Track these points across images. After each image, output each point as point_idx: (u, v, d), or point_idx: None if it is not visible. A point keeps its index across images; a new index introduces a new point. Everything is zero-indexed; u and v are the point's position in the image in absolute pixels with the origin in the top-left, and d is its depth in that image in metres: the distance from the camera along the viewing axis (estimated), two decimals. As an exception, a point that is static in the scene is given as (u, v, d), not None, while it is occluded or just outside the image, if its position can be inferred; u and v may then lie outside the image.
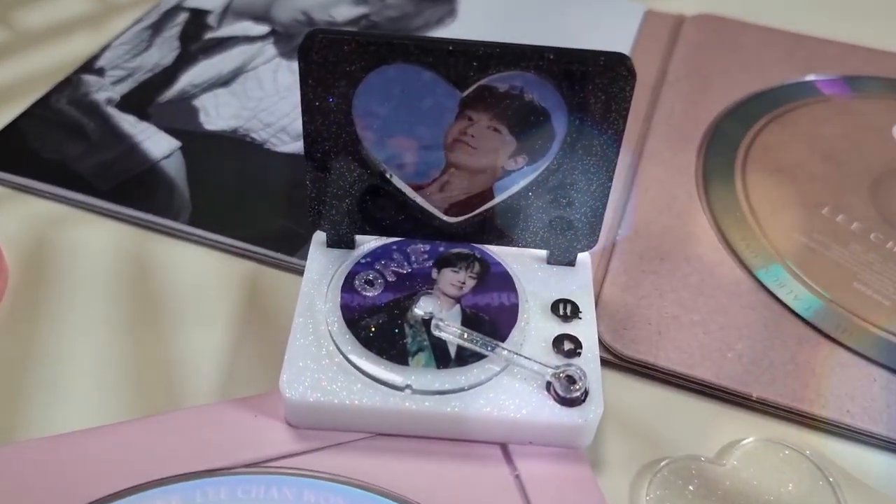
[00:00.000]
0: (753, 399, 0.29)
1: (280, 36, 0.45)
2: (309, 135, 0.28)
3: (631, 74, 0.26)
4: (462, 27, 0.47)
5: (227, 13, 0.47)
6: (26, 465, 0.27)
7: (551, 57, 0.26)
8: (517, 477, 0.27)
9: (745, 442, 0.28)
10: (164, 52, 0.44)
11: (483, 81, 0.26)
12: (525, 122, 0.27)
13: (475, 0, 0.49)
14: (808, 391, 0.29)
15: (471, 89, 0.26)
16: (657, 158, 0.38)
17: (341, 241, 0.30)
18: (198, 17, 0.46)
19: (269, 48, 0.44)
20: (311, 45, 0.26)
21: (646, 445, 0.28)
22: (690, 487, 0.27)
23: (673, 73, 0.43)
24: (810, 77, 0.43)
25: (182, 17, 0.46)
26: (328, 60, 0.26)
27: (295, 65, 0.43)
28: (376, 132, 0.28)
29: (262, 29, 0.46)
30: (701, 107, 0.41)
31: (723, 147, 0.39)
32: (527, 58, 0.26)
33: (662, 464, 0.27)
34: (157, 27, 0.46)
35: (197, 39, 0.45)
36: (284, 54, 0.44)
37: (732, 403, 0.30)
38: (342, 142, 0.28)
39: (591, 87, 0.26)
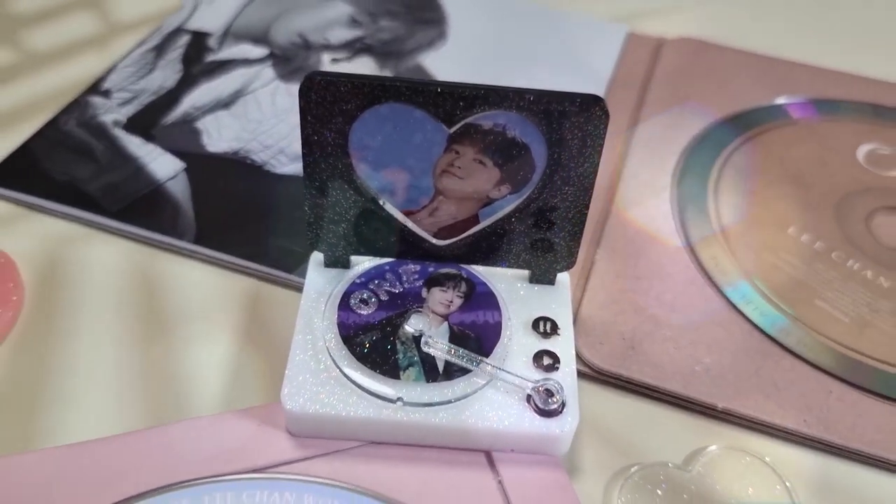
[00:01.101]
0: (718, 409, 0.32)
1: (278, 59, 0.47)
2: (308, 165, 0.30)
3: (605, 114, 0.28)
4: (452, 49, 0.49)
5: (227, 35, 0.49)
6: (43, 472, 0.29)
7: (531, 98, 0.28)
8: (500, 482, 0.29)
9: (709, 449, 0.31)
10: (167, 74, 0.46)
11: (469, 119, 0.29)
12: (508, 156, 0.29)
13: (464, 24, 0.51)
14: (769, 402, 0.32)
15: (457, 126, 0.29)
16: (635, 180, 0.40)
17: (337, 261, 0.33)
18: (199, 40, 0.49)
19: (268, 71, 0.46)
20: (311, 85, 0.28)
21: (618, 452, 0.31)
22: (659, 492, 0.29)
23: (652, 94, 0.46)
24: (780, 100, 0.45)
25: (184, 40, 0.49)
26: (326, 100, 0.28)
27: (292, 87, 0.45)
28: (370, 164, 0.30)
29: (261, 51, 0.48)
30: (678, 128, 0.44)
31: (697, 169, 0.41)
32: (509, 98, 0.28)
33: (633, 469, 0.30)
34: (160, 49, 0.48)
35: (199, 62, 0.47)
36: (282, 77, 0.46)
37: (699, 413, 0.32)
38: (338, 172, 0.30)
39: (569, 125, 0.28)
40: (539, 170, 0.30)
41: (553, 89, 0.28)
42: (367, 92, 0.28)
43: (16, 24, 0.51)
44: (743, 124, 0.44)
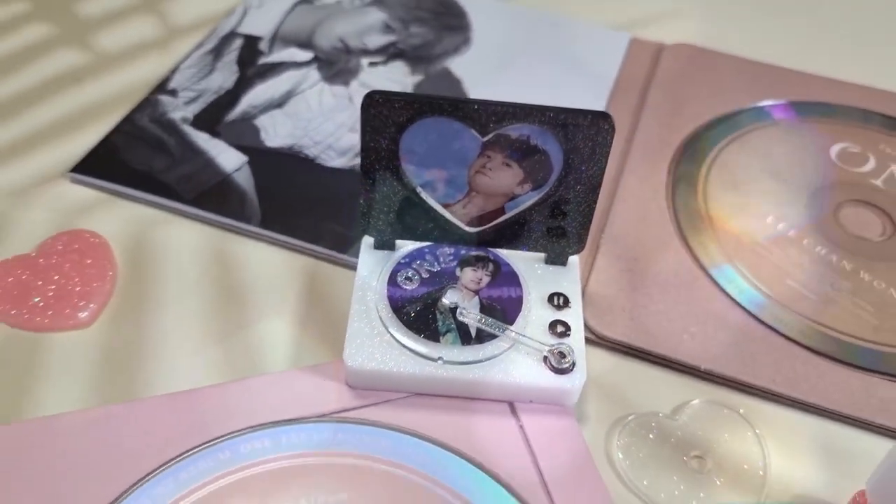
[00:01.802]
0: (702, 370, 0.37)
1: (322, 62, 0.53)
2: (365, 166, 0.36)
3: (611, 128, 0.34)
4: (476, 54, 0.54)
5: (275, 40, 0.54)
6: (145, 417, 0.35)
7: (551, 114, 0.34)
8: (521, 427, 0.35)
9: (693, 402, 0.37)
10: (225, 75, 0.51)
11: (499, 130, 0.34)
12: (530, 160, 0.35)
13: (486, 31, 0.56)
14: (745, 365, 0.38)
15: (490, 135, 0.34)
16: (636, 175, 0.46)
17: (385, 244, 0.39)
18: (251, 43, 0.54)
19: (314, 73, 0.52)
20: (371, 102, 0.34)
21: (617, 404, 0.37)
22: (651, 436, 0.35)
23: (652, 97, 0.51)
24: (763, 103, 0.51)
25: (238, 43, 0.54)
26: (382, 114, 0.34)
27: (336, 88, 0.51)
28: (416, 165, 0.36)
29: (307, 55, 0.53)
30: (674, 128, 0.49)
31: (689, 165, 0.47)
32: (532, 114, 0.34)
33: (630, 418, 0.36)
34: (217, 52, 0.53)
35: (252, 64, 0.52)
36: (326, 79, 0.52)
37: (685, 373, 0.38)
38: (390, 171, 0.36)
39: (581, 136, 0.34)
40: (556, 171, 0.35)
41: (568, 106, 0.34)
42: (416, 107, 0.34)
43: (85, 27, 0.56)
44: (731, 125, 0.49)
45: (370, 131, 0.34)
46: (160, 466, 0.33)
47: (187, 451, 0.34)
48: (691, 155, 0.47)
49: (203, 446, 0.34)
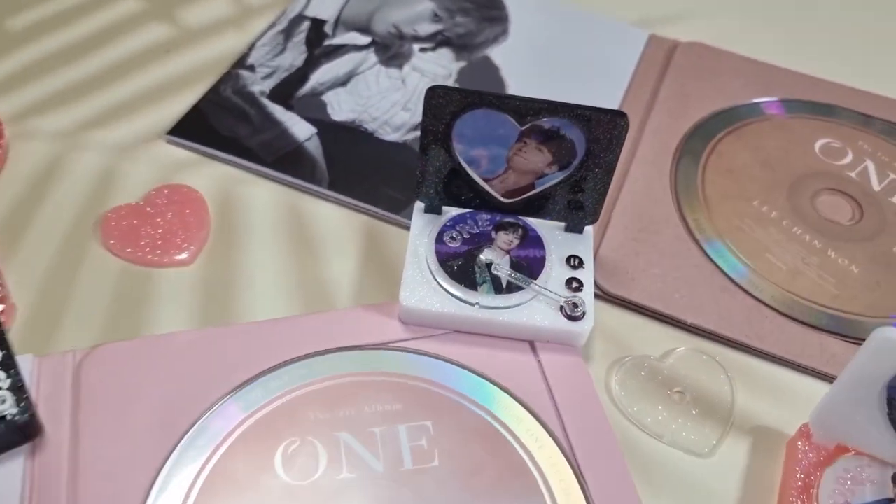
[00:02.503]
0: (688, 324, 0.45)
1: (379, 46, 0.60)
2: (423, 144, 0.43)
3: (626, 124, 0.41)
4: (513, 45, 0.61)
5: (338, 24, 0.61)
6: (238, 339, 0.43)
7: (577, 110, 0.41)
8: (539, 362, 0.43)
9: (678, 349, 0.44)
10: (295, 55, 0.59)
11: (535, 121, 0.42)
12: (558, 146, 0.43)
13: (522, 23, 0.63)
14: (723, 321, 0.45)
15: (527, 125, 0.42)
16: (644, 160, 0.53)
17: (434, 209, 0.46)
18: (317, 26, 0.61)
19: (372, 56, 0.59)
20: (433, 94, 0.41)
21: (617, 347, 0.45)
22: (642, 374, 0.43)
23: (663, 92, 0.58)
24: (757, 99, 0.58)
25: (305, 25, 0.61)
26: (441, 104, 0.41)
27: (391, 71, 0.58)
28: (465, 145, 0.43)
29: (366, 39, 0.60)
30: (680, 120, 0.56)
31: (691, 152, 0.54)
32: (563, 110, 0.41)
33: (626, 359, 0.44)
34: (287, 33, 0.60)
35: (319, 45, 0.60)
36: (383, 62, 0.59)
37: (674, 325, 0.46)
38: (443, 149, 0.43)
39: (601, 129, 0.41)
40: (578, 156, 0.43)
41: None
42: (468, 101, 0.41)
43: (172, 4, 0.63)
44: (728, 118, 0.56)
45: (430, 117, 0.42)
46: (250, 378, 0.42)
47: (272, 367, 0.42)
48: (693, 144, 0.55)
49: (284, 364, 0.42)
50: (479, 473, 0.39)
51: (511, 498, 0.38)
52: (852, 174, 0.54)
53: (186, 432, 0.39)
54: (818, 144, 0.56)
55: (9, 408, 0.37)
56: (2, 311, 0.42)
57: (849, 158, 0.55)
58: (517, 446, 0.40)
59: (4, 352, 0.39)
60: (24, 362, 0.40)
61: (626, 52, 0.62)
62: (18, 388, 0.38)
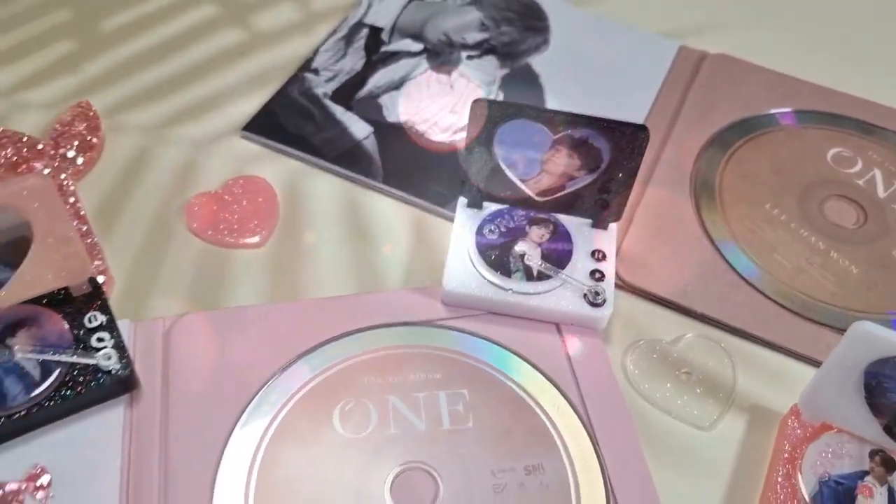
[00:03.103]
0: (698, 313, 0.50)
1: (430, 53, 0.65)
2: (468, 148, 0.48)
3: (647, 137, 0.46)
4: (553, 54, 0.66)
5: (394, 31, 0.67)
6: (305, 310, 0.49)
7: (604, 123, 0.46)
8: (563, 342, 0.49)
9: (688, 335, 0.50)
10: (355, 59, 0.65)
11: (567, 131, 0.47)
12: (587, 153, 0.48)
13: (562, 35, 0.68)
14: (730, 312, 0.50)
15: (559, 134, 0.47)
16: (668, 163, 0.58)
17: (475, 204, 0.52)
18: (375, 33, 0.67)
19: (424, 62, 0.65)
20: (476, 105, 0.46)
21: (633, 332, 0.50)
22: (654, 356, 0.49)
23: (689, 101, 0.63)
24: (773, 110, 0.62)
25: (364, 32, 0.67)
26: (484, 114, 0.47)
27: (440, 76, 0.64)
28: (504, 149, 0.48)
29: (418, 46, 0.66)
30: (702, 128, 0.61)
31: (711, 159, 0.59)
32: (591, 122, 0.46)
33: (640, 342, 0.49)
34: (348, 39, 0.66)
35: (376, 51, 0.65)
36: (433, 68, 0.64)
37: (686, 314, 0.51)
38: (485, 152, 0.49)
39: (625, 140, 0.46)
40: (605, 162, 0.48)
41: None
42: (509, 112, 0.46)
43: (244, 9, 0.70)
44: (746, 128, 0.61)
45: (475, 124, 0.47)
46: (313, 347, 0.48)
47: (331, 337, 0.48)
48: (713, 151, 0.59)
49: (342, 336, 0.48)
50: (506, 435, 0.44)
51: (534, 457, 0.44)
52: (860, 182, 0.58)
53: (258, 391, 0.45)
54: (830, 153, 0.60)
55: (113, 364, 0.44)
56: (103, 283, 0.49)
57: (858, 167, 0.59)
58: (541, 414, 0.45)
59: (108, 317, 0.46)
60: (123, 326, 0.47)
61: (657, 62, 0.66)
62: (120, 348, 0.45)
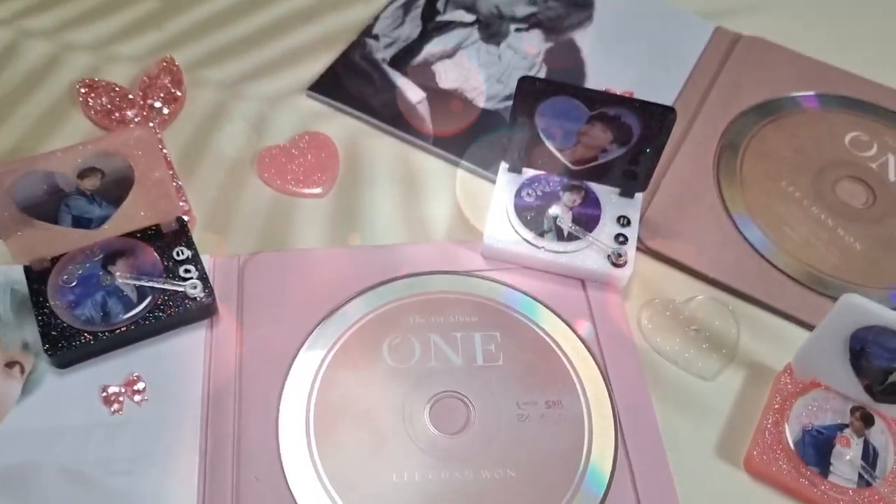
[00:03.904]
0: (710, 277, 0.56)
1: (482, 24, 0.70)
2: (512, 116, 0.54)
3: (674, 117, 0.51)
4: (595, 30, 0.70)
5: (449, 2, 0.72)
6: (361, 256, 0.56)
7: (636, 104, 0.51)
8: (587, 297, 0.54)
9: (698, 297, 0.55)
10: (412, 28, 0.69)
11: (601, 108, 0.52)
12: (619, 129, 0.53)
13: (605, 12, 0.72)
14: (739, 277, 0.55)
15: (596, 111, 0.52)
16: (695, 139, 0.63)
17: (516, 169, 0.57)
18: (431, 3, 0.71)
19: (475, 33, 0.69)
20: (523, 83, 0.51)
21: (649, 291, 0.55)
22: (667, 313, 0.54)
23: (720, 80, 0.67)
24: (797, 93, 0.66)
25: (421, 1, 0.71)
26: (530, 91, 0.52)
27: (489, 47, 0.68)
28: (545, 121, 0.54)
29: (471, 17, 0.70)
30: (730, 107, 0.65)
31: (735, 137, 0.63)
32: (625, 102, 0.51)
33: (655, 300, 0.55)
34: (406, 7, 0.71)
35: (431, 20, 0.70)
36: (484, 39, 0.69)
37: (699, 278, 0.56)
38: (527, 123, 0.54)
39: (654, 119, 0.51)
40: (635, 138, 0.53)
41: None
42: (551, 90, 0.52)
43: (312, -25, 0.74)
44: (771, 109, 0.65)
45: (520, 99, 0.52)
46: (367, 288, 0.54)
47: (383, 280, 0.54)
48: (738, 129, 0.64)
49: (392, 280, 0.55)
50: (532, 373, 0.51)
51: (554, 393, 0.50)
52: (873, 165, 0.62)
53: (320, 322, 0.52)
54: (848, 137, 0.64)
55: (198, 292, 0.51)
56: (188, 222, 0.55)
57: (873, 151, 0.63)
58: (563, 357, 0.51)
59: (192, 251, 0.53)
60: (203, 260, 0.53)
61: (693, 41, 0.70)
62: (203, 279, 0.51)
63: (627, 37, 0.70)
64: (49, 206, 0.48)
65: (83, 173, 0.47)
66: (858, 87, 0.67)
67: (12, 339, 0.50)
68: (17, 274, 0.51)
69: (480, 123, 0.63)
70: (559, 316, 0.53)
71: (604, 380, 0.51)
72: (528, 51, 0.67)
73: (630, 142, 0.53)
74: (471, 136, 0.62)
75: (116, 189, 0.49)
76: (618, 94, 0.51)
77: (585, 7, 0.72)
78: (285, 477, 0.46)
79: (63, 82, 0.65)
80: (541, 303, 0.54)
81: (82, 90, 0.63)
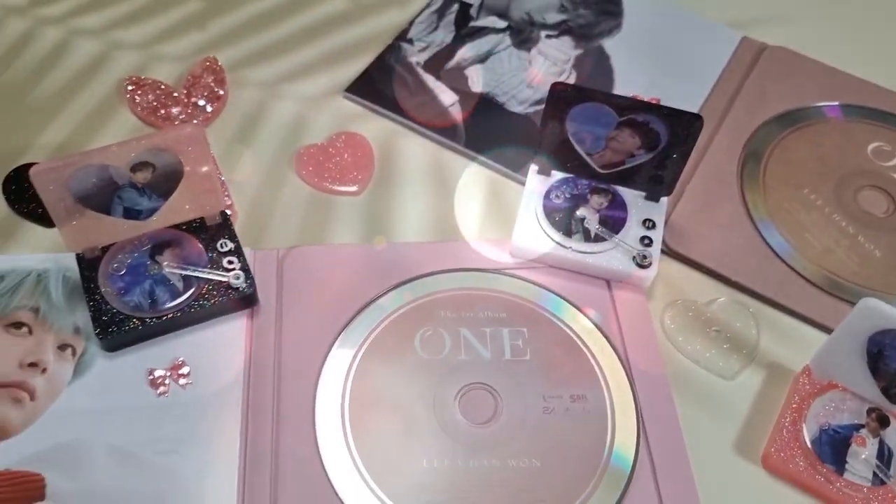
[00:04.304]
0: (732, 280, 0.57)
1: (513, 30, 0.72)
2: (544, 122, 0.56)
3: (701, 124, 0.52)
4: (624, 38, 0.72)
5: (482, 8, 0.74)
6: (393, 252, 0.58)
7: (664, 111, 0.53)
8: (612, 297, 0.56)
9: (720, 299, 0.57)
10: (445, 33, 0.72)
11: (630, 115, 0.54)
12: (647, 135, 0.54)
13: (634, 20, 0.73)
14: (760, 281, 0.57)
15: (624, 117, 0.54)
16: (719, 146, 0.64)
17: (545, 171, 0.59)
18: (464, 8, 0.74)
19: (507, 39, 0.71)
20: (555, 89, 0.53)
21: (673, 292, 0.57)
22: (689, 314, 0.56)
23: (745, 89, 0.68)
24: (821, 103, 0.67)
25: (454, 7, 0.74)
26: (561, 97, 0.54)
27: (521, 53, 0.70)
28: (574, 126, 0.55)
29: (503, 23, 0.72)
30: (754, 115, 0.66)
31: (759, 145, 0.65)
32: (653, 109, 0.53)
33: (678, 301, 0.56)
34: (440, 13, 0.73)
35: (464, 26, 0.72)
36: (515, 45, 0.71)
37: (721, 280, 0.58)
38: (557, 127, 0.56)
39: (681, 126, 0.53)
40: (662, 144, 0.55)
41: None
42: (582, 96, 0.53)
43: (349, -21, 0.77)
44: (795, 118, 0.66)
45: (551, 105, 0.54)
46: (400, 283, 0.56)
47: (416, 276, 0.56)
48: (762, 137, 0.65)
49: (424, 275, 0.57)
50: (557, 369, 0.53)
51: (579, 388, 0.52)
52: (895, 175, 0.64)
53: (355, 315, 0.54)
54: (871, 147, 0.65)
55: (241, 283, 0.53)
56: (230, 216, 0.58)
57: (895, 161, 0.65)
58: (588, 354, 0.53)
59: (235, 244, 0.55)
60: (245, 252, 0.56)
61: (719, 50, 0.71)
62: (245, 270, 0.54)
63: (655, 45, 0.72)
64: (103, 197, 0.50)
65: (136, 167, 0.50)
66: (882, 98, 0.68)
67: (64, 323, 0.52)
68: (69, 261, 0.54)
69: (510, 127, 0.65)
70: (584, 314, 0.55)
71: (627, 376, 0.52)
72: (557, 57, 0.69)
73: (657, 147, 0.55)
74: (501, 138, 0.64)
75: (166, 183, 0.52)
76: (645, 100, 0.52)
77: (615, 16, 0.74)
78: (321, 458, 0.48)
79: (111, 80, 0.68)
80: (567, 301, 0.56)
81: (129, 87, 0.66)
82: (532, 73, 0.65)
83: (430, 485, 0.48)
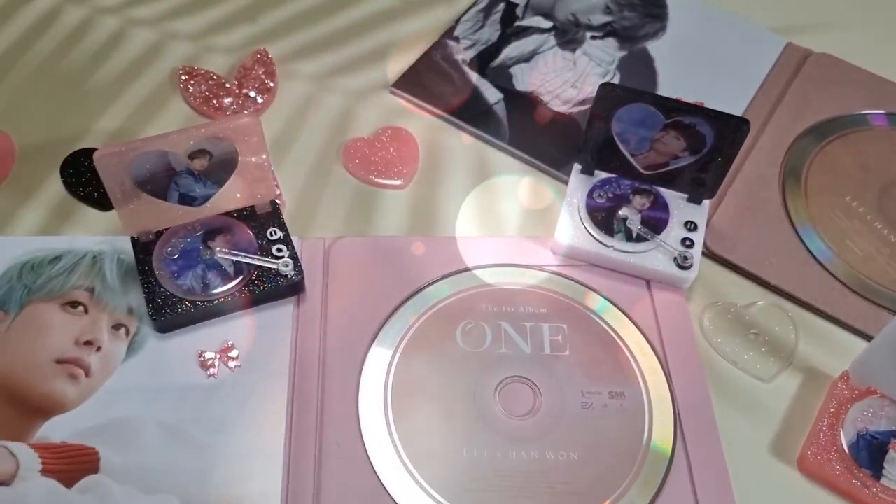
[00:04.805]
0: (771, 284, 0.57)
1: (558, 31, 0.73)
2: (590, 121, 0.56)
3: (747, 128, 0.53)
4: (669, 41, 0.72)
5: (527, 8, 0.74)
6: (437, 246, 0.58)
7: (711, 113, 0.53)
8: (651, 297, 0.57)
9: (760, 302, 0.57)
10: (491, 31, 0.72)
11: (677, 117, 0.54)
12: (693, 137, 0.55)
13: (678, 23, 0.74)
14: (800, 285, 0.57)
15: (671, 119, 0.54)
16: (762, 150, 0.64)
17: (588, 171, 0.60)
18: (510, 8, 0.74)
19: (551, 39, 0.72)
20: (604, 89, 0.54)
21: (712, 294, 0.57)
22: (728, 316, 0.56)
23: (789, 95, 0.68)
24: (866, 111, 0.67)
25: (501, 7, 0.74)
26: (608, 97, 0.54)
27: (565, 53, 0.71)
28: (620, 127, 0.56)
29: (548, 24, 0.73)
30: (797, 122, 0.66)
31: (802, 150, 0.65)
32: (699, 111, 0.53)
33: (718, 303, 0.57)
34: (486, 11, 0.74)
35: (510, 25, 0.73)
36: (560, 45, 0.71)
37: (761, 284, 0.58)
38: (604, 128, 0.56)
39: (728, 130, 0.53)
40: (707, 146, 0.55)
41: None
42: (630, 97, 0.54)
43: (397, -23, 0.78)
44: (839, 125, 0.66)
45: (599, 105, 0.55)
46: (444, 275, 0.57)
47: (459, 269, 0.57)
48: (805, 144, 0.65)
49: (467, 269, 0.58)
50: (596, 365, 0.53)
51: (617, 385, 0.52)
52: (938, 184, 0.63)
53: (399, 304, 0.55)
54: (915, 156, 0.65)
55: (290, 270, 0.54)
56: (280, 204, 0.59)
57: (939, 171, 0.64)
58: (626, 352, 0.54)
59: (284, 232, 0.56)
60: (293, 241, 0.57)
61: (764, 56, 0.72)
62: (294, 258, 0.55)
63: (700, 48, 0.72)
64: (160, 182, 0.52)
65: (194, 154, 0.51)
66: (925, 108, 0.68)
67: (119, 303, 0.54)
68: (123, 244, 0.55)
69: (554, 126, 0.66)
70: (625, 313, 0.56)
71: (665, 375, 0.53)
72: (602, 58, 0.69)
73: (702, 150, 0.55)
74: (544, 137, 0.65)
75: (220, 171, 0.53)
76: (693, 103, 0.53)
77: (660, 18, 0.74)
78: (364, 444, 0.49)
79: (165, 69, 0.69)
80: (608, 299, 0.56)
81: (183, 77, 0.67)
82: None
83: (469, 473, 0.49)
